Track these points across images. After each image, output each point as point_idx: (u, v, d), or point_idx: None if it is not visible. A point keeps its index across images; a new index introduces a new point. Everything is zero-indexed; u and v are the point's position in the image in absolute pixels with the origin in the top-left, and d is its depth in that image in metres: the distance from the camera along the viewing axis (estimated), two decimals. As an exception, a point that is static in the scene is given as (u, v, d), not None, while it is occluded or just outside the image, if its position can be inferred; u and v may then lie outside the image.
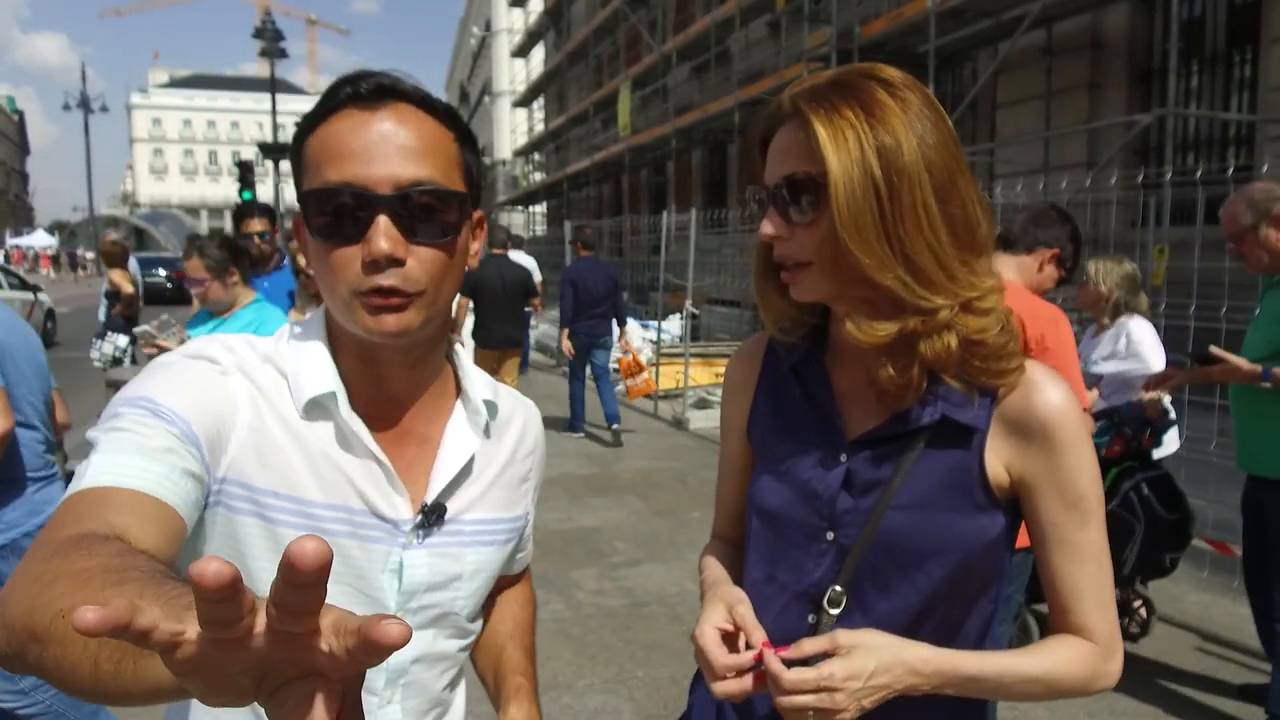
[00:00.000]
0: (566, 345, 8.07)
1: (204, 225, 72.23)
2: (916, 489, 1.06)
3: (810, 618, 1.10)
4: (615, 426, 7.97)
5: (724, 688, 1.03)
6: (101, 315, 7.62)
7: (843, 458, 1.10)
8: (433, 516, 1.01)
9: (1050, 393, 1.05)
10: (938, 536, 1.05)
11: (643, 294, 14.22)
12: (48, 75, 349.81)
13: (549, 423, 7.39)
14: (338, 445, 0.97)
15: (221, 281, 3.57)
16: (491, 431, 1.10)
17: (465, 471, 1.05)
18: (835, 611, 1.08)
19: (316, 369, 0.97)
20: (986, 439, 1.06)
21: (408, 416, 1.03)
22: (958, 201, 1.01)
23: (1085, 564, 1.06)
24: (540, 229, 31.02)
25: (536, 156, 34.07)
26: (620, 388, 8.69)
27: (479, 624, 1.14)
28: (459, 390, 1.09)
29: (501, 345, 7.53)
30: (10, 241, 44.90)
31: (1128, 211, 8.24)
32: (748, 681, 1.03)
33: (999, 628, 1.19)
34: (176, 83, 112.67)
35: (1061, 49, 10.89)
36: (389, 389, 1.02)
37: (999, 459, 1.06)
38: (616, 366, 8.74)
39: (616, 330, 8.32)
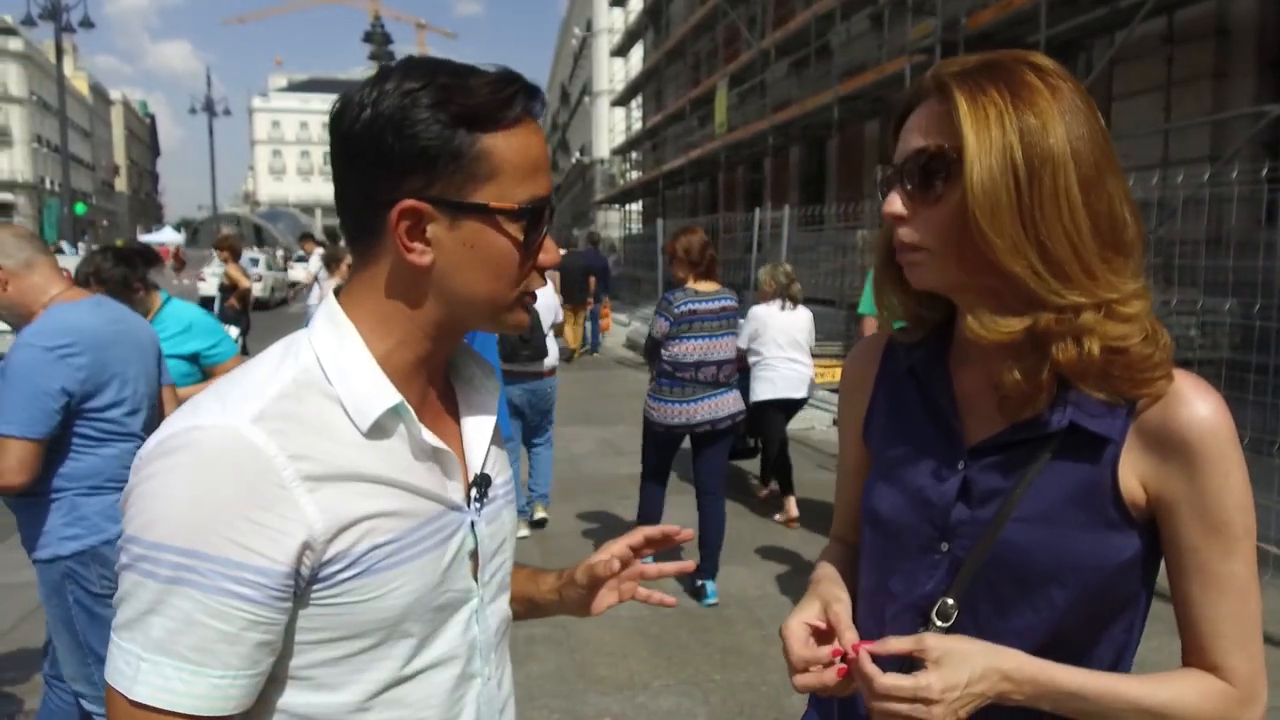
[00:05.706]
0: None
1: (318, 223, 75.32)
2: (1040, 501, 0.99)
3: (920, 630, 1.05)
4: (586, 348, 14.36)
5: (802, 680, 1.02)
6: (216, 307, 8.04)
7: (960, 465, 1.05)
8: (484, 487, 1.04)
9: (1198, 406, 0.96)
10: (1062, 554, 0.98)
11: (736, 293, 14.14)
12: (175, 81, 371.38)
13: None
14: (408, 453, 0.94)
15: (128, 301, 3.27)
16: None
17: (494, 437, 1.09)
18: (943, 625, 1.03)
19: (372, 385, 0.92)
20: (1121, 451, 0.98)
21: (435, 396, 1.05)
22: (1104, 198, 0.96)
23: (1227, 597, 0.97)
24: (636, 227, 31.17)
25: (633, 155, 34.26)
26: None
27: None
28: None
29: (577, 301, 13.40)
30: (141, 238, 47.80)
31: (1252, 209, 7.73)
32: (827, 676, 1.01)
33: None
34: (294, 86, 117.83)
35: (1184, 37, 10.28)
36: (431, 377, 1.03)
37: (1134, 474, 0.98)
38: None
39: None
